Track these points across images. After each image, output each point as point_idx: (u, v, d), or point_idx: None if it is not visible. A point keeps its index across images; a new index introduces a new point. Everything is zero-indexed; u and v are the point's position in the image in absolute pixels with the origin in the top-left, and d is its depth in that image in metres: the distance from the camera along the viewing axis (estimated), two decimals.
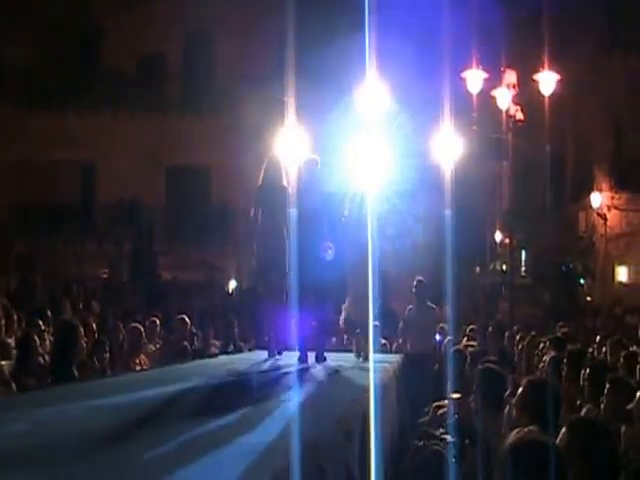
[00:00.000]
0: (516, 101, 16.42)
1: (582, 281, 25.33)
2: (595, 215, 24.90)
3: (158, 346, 10.11)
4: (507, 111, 16.29)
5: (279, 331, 8.12)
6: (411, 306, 11.15)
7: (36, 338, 7.40)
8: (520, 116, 16.50)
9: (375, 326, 8.22)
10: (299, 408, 4.62)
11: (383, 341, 10.73)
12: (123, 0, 24.36)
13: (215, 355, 9.99)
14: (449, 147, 16.45)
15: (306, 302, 7.34)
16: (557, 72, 17.51)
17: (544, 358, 8.04)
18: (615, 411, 5.44)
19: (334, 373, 6.95)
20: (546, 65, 17.63)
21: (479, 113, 17.43)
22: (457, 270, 12.61)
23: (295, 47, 14.58)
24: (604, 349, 9.51)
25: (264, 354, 8.04)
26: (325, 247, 7.41)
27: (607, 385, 5.65)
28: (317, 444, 3.63)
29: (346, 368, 7.27)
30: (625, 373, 6.91)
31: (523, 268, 27.24)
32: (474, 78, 16.76)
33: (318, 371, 7.03)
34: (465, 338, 11.03)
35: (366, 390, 5.37)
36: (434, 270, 15.07)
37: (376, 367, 6.99)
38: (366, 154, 11.84)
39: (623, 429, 5.24)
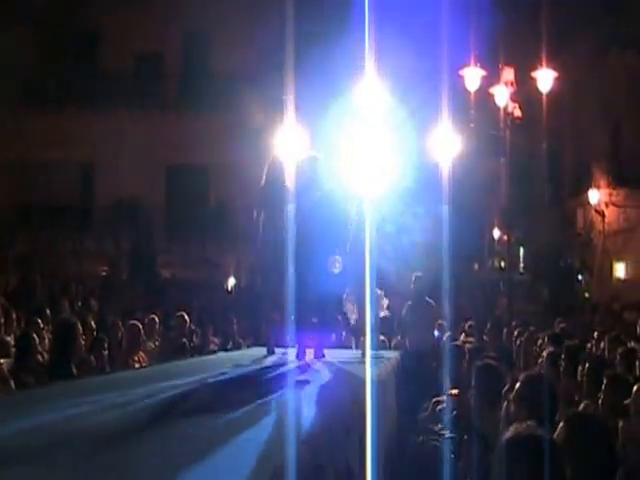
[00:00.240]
0: (514, 98, 16.45)
1: (580, 277, 25.37)
2: (593, 212, 24.93)
3: (157, 343, 10.13)
4: (505, 108, 16.33)
5: (278, 328, 8.13)
6: (410, 302, 11.17)
7: (35, 336, 7.42)
8: (518, 113, 16.53)
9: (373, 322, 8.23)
10: (297, 405, 4.62)
11: (382, 337, 10.74)
12: (121, 0, 24.35)
13: (214, 352, 10.01)
14: (447, 144, 16.48)
15: (306, 302, 7.35)
16: (555, 70, 17.56)
17: (542, 354, 8.06)
18: (613, 406, 5.47)
19: (333, 370, 6.95)
20: (544, 63, 17.67)
21: (477, 110, 17.48)
22: (455, 267, 12.64)
23: (293, 46, 14.54)
24: (602, 345, 9.54)
25: (263, 351, 8.05)
26: (332, 261, 7.40)
27: (605, 381, 5.68)
28: (316, 440, 3.64)
29: (345, 364, 7.28)
30: (623, 369, 6.93)
31: (521, 264, 27.31)
32: (472, 75, 16.80)
33: (317, 368, 7.03)
34: (463, 334, 11.06)
35: (365, 386, 5.38)
36: (432, 267, 15.06)
37: (374, 363, 7.00)
38: (364, 152, 11.83)
39: (621, 424, 5.27)
